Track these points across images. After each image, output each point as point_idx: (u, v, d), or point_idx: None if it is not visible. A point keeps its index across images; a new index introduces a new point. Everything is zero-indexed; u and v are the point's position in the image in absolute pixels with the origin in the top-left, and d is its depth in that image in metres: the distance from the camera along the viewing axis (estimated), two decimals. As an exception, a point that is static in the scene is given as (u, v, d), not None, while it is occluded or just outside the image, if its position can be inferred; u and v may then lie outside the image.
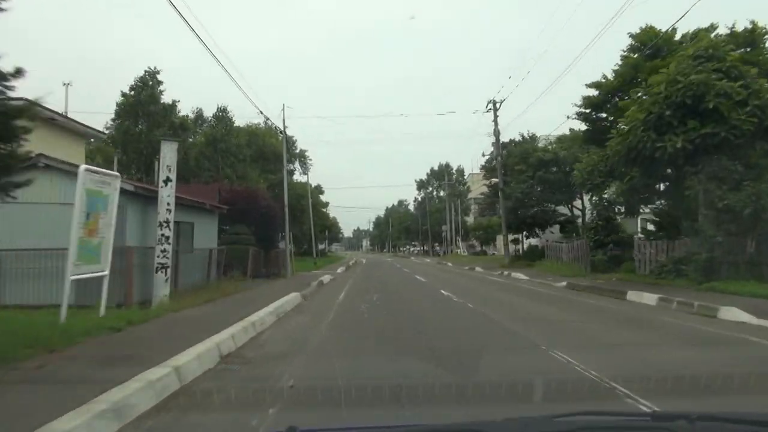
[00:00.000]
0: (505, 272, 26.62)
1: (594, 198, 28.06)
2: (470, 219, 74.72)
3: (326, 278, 23.20)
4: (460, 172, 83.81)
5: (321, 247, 71.85)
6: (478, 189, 66.92)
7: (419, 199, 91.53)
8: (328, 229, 69.38)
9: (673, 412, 1.98)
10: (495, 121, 34.06)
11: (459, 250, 65.94)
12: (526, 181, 32.09)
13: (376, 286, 19.81)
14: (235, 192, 22.21)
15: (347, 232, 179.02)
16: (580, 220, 33.97)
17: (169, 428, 4.18)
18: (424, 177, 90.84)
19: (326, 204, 66.77)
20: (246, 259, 19.60)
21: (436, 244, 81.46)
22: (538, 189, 31.72)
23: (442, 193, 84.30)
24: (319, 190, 64.57)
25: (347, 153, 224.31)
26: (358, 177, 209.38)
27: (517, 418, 1.98)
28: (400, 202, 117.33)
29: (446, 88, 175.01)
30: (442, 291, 16.72)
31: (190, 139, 39.07)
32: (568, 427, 1.86)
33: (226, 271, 19.74)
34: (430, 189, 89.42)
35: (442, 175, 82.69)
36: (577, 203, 34.46)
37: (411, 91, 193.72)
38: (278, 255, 24.88)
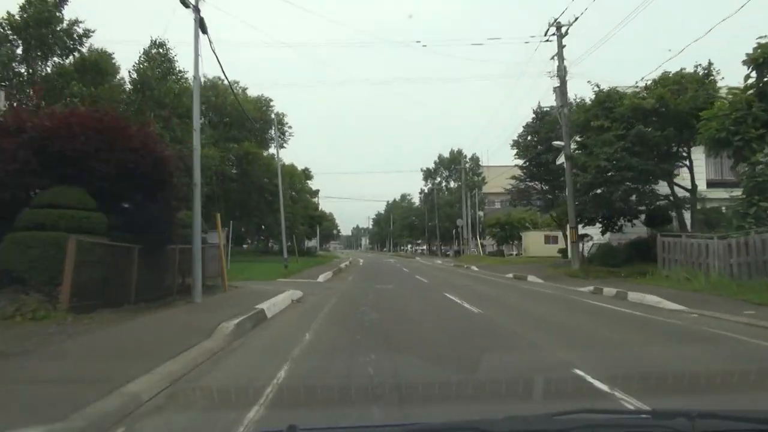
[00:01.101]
0: (606, 289, 15.01)
1: (744, 165, 16.86)
2: (481, 215, 62.92)
3: (279, 303, 11.56)
4: (475, 160, 70.57)
5: (311, 244, 60.23)
6: (494, 182, 55.74)
7: (425, 190, 78.83)
8: (319, 222, 57.47)
9: (674, 410, 1.86)
10: (559, 54, 22.38)
11: (477, 250, 54.30)
12: (612, 143, 20.41)
13: (381, 329, 8.28)
14: (70, 116, 9.95)
15: (346, 230, 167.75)
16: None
17: None
18: (431, 166, 77.84)
19: (316, 192, 55.01)
20: (62, 264, 8.01)
21: (441, 243, 70.06)
22: (634, 154, 20.01)
23: (452, 184, 72.19)
24: (307, 174, 52.92)
25: (346, 144, 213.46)
26: (358, 171, 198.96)
27: (517, 416, 1.86)
28: (403, 197, 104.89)
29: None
30: (592, 381, 5.17)
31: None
32: (569, 425, 1.76)
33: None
34: (439, 179, 76.71)
35: (453, 162, 70.25)
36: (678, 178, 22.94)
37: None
38: (199, 255, 13.15)
